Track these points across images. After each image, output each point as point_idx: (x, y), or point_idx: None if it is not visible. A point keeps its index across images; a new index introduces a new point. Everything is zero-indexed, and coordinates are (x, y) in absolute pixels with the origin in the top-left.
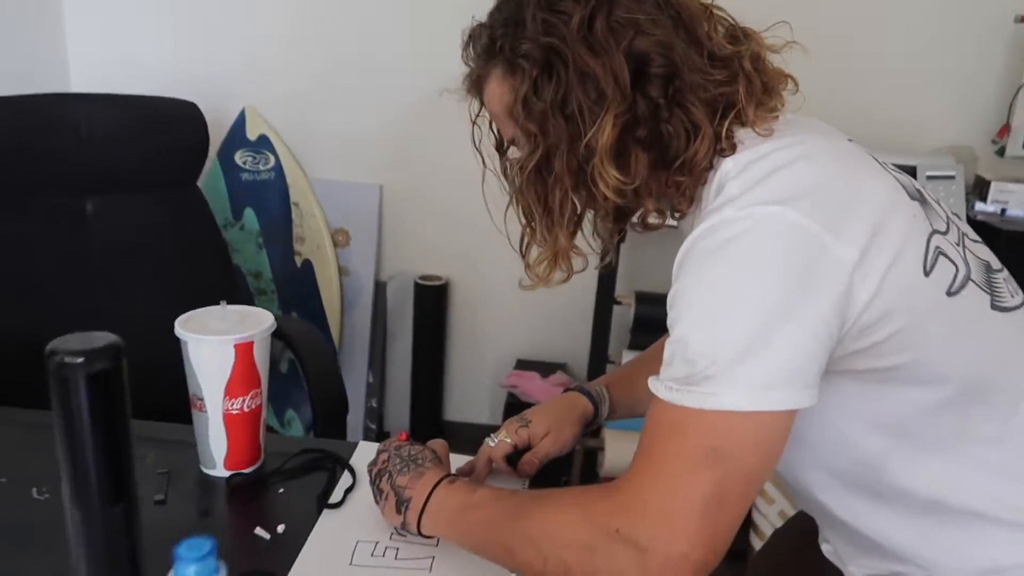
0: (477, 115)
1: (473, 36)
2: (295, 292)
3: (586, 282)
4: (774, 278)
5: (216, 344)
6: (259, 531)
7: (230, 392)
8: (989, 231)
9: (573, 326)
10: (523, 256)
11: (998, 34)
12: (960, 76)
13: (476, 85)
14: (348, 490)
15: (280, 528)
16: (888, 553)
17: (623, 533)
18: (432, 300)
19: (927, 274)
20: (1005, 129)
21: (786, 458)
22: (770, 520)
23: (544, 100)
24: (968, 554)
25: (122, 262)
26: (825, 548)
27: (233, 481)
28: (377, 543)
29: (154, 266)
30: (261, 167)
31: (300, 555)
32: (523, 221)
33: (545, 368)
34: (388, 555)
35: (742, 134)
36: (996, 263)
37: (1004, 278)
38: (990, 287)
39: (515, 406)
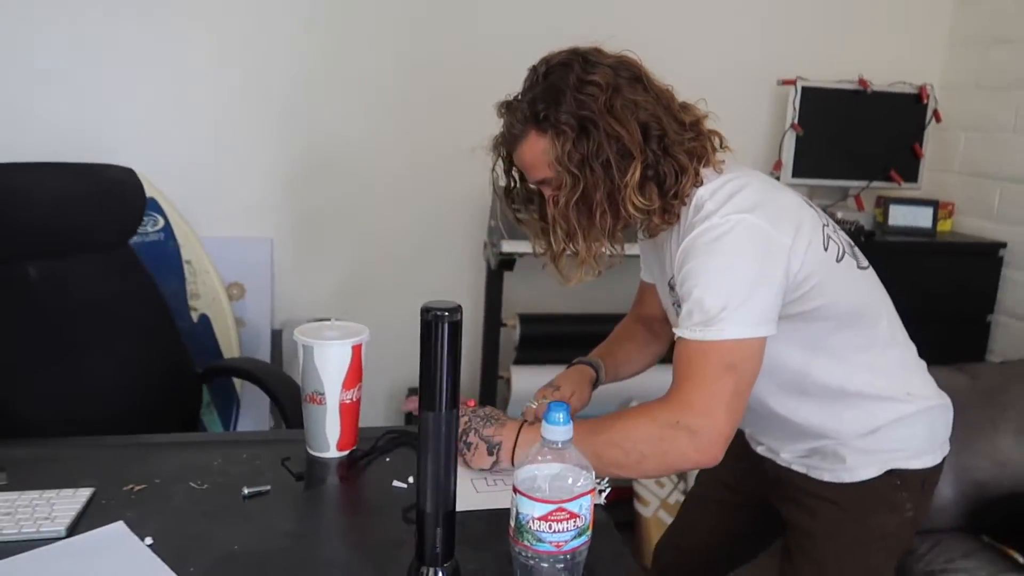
0: (493, 166)
1: (511, 107)
2: (194, 346)
3: (470, 312)
4: (750, 257)
5: (339, 347)
6: (396, 483)
7: (347, 384)
8: None
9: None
10: (555, 265)
11: (767, 92)
12: (745, 123)
13: (511, 142)
14: None
15: (410, 479)
16: (810, 434)
17: (681, 424)
18: None
19: (825, 250)
20: (778, 164)
21: None
22: (650, 489)
23: (581, 152)
24: (860, 422)
25: (70, 321)
26: (759, 449)
27: (352, 456)
28: (485, 478)
29: (101, 322)
30: (149, 229)
31: None
32: (563, 239)
33: None
34: (499, 484)
35: (705, 172)
36: (852, 242)
37: (858, 251)
38: (854, 256)
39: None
